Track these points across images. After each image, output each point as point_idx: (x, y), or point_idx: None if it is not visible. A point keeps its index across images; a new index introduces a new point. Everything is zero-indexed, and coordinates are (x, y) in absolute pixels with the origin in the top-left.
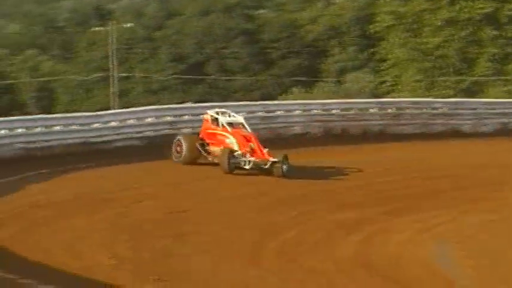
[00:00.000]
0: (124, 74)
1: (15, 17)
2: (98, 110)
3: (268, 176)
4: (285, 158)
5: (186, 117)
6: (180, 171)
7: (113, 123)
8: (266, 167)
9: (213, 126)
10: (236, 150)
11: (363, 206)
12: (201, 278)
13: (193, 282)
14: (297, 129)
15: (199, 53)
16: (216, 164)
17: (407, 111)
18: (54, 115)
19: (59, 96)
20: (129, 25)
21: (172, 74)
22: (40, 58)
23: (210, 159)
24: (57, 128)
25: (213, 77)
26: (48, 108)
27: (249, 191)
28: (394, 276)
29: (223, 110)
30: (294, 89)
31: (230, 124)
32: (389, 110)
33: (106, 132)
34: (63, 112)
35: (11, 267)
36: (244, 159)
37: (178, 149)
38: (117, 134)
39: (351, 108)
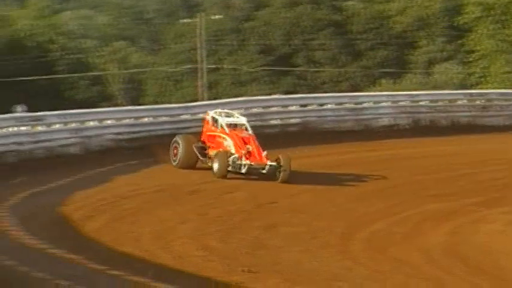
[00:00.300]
0: (212, 66)
1: (104, 8)
2: (187, 102)
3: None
4: (288, 161)
5: (274, 109)
6: None
7: (202, 115)
8: (264, 171)
9: (213, 128)
10: (233, 153)
11: (452, 198)
12: (291, 269)
13: (283, 273)
14: (385, 120)
15: (288, 45)
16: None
17: (496, 102)
18: (143, 107)
19: (147, 88)
20: (217, 17)
21: (260, 66)
22: (129, 50)
23: (209, 164)
24: (146, 119)
25: (301, 68)
26: (136, 99)
27: (336, 183)
28: (482, 267)
29: (226, 110)
30: (382, 81)
31: (231, 125)
32: (477, 102)
33: (195, 124)
34: (151, 103)
35: (100, 258)
36: (239, 162)
37: (175, 151)
38: None
39: (439, 100)
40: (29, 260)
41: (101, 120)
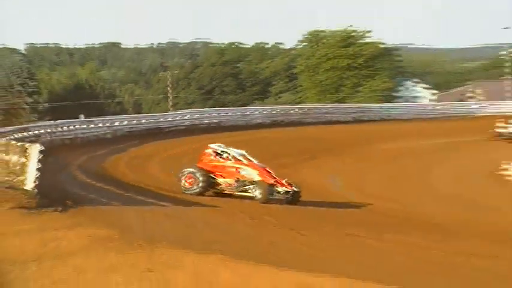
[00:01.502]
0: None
1: (113, 64)
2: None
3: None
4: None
5: None
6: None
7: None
8: (288, 196)
9: (220, 159)
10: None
11: (288, 157)
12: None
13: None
14: (257, 120)
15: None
16: (226, 195)
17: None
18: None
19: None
20: (176, 72)
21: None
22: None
23: (218, 189)
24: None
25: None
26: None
27: None
28: (309, 186)
29: (220, 144)
30: (255, 102)
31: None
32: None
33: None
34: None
35: (124, 188)
36: (279, 189)
37: (191, 181)
38: None
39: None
40: (88, 190)
41: (112, 122)
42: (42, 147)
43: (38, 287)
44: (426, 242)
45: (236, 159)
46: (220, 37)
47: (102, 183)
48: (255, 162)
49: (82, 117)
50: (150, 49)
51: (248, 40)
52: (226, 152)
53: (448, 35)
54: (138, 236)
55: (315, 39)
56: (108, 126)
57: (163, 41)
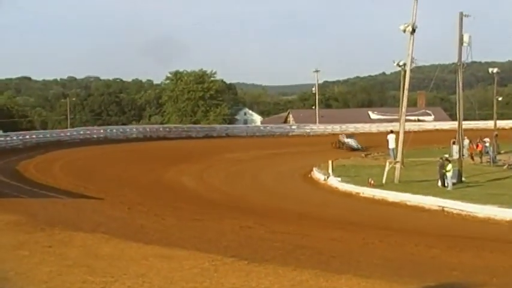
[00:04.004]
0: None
1: (27, 92)
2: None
3: None
4: None
5: None
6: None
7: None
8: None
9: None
10: None
11: (157, 162)
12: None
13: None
14: (134, 135)
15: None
16: None
17: (174, 130)
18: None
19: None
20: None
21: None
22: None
23: None
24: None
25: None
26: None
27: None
28: (171, 185)
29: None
30: (133, 122)
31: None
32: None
33: None
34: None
35: (31, 185)
36: None
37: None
38: None
39: (150, 129)
40: (3, 186)
41: (24, 135)
42: None
43: None
44: (252, 223)
45: None
46: (108, 74)
47: (15, 181)
48: None
49: (1, 132)
50: (54, 82)
51: (128, 76)
52: None
53: (274, 74)
54: (41, 221)
55: (176, 77)
56: (20, 139)
57: (64, 76)
